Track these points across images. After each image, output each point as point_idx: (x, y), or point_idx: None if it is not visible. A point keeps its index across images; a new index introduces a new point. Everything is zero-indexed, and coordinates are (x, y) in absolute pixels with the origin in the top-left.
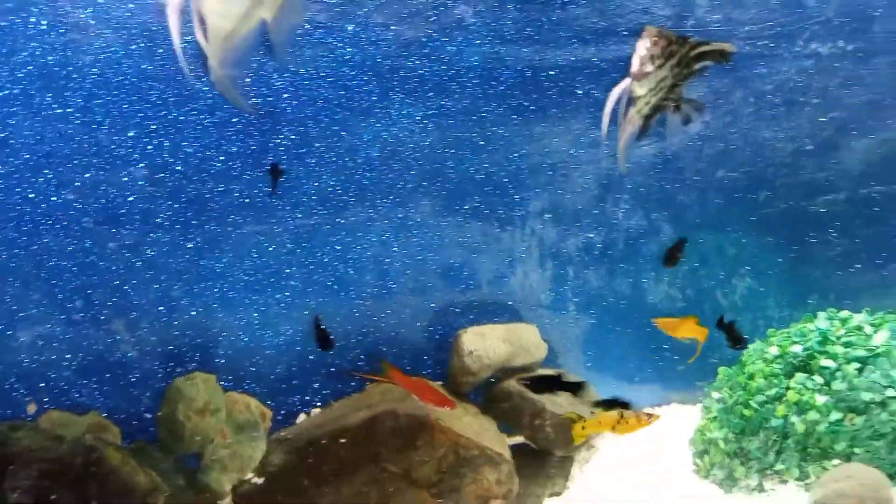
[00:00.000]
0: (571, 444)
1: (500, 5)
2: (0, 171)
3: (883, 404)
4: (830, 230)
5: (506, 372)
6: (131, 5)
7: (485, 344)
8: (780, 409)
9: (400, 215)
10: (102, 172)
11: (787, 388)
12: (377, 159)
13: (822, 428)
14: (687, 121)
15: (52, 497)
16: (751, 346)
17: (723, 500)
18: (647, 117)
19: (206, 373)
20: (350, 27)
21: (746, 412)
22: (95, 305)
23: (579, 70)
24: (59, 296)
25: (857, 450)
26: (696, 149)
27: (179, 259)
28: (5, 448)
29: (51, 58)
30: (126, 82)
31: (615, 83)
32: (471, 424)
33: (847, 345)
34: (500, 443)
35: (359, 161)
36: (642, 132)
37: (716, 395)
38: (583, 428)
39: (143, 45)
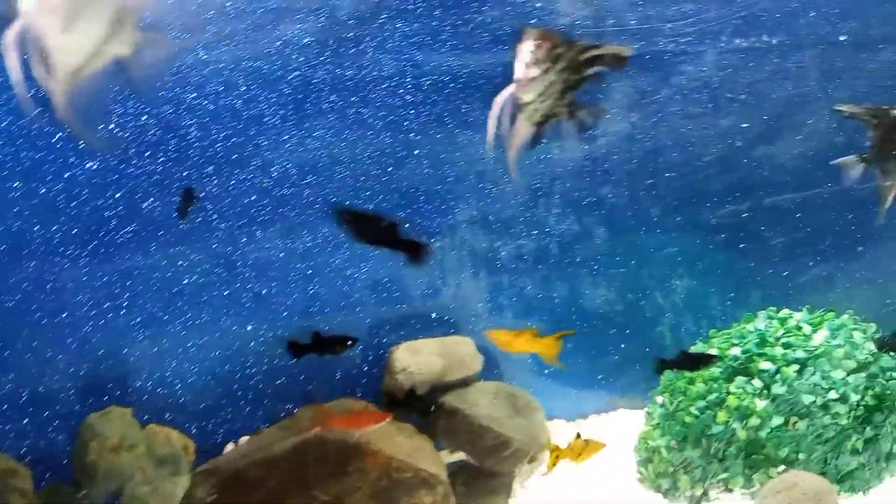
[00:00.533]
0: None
1: (416, 11)
2: None
3: (825, 407)
4: (771, 226)
5: (442, 387)
6: None
7: (418, 360)
8: (721, 416)
9: (324, 230)
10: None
11: (728, 393)
12: (295, 174)
13: (764, 434)
14: (584, 127)
15: None
16: (692, 348)
17: None
18: (539, 124)
19: (124, 406)
20: (260, 38)
21: (687, 419)
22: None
23: (500, 74)
24: None
25: (801, 455)
26: (625, 150)
27: (90, 288)
28: None
29: None
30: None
31: None
32: (403, 445)
33: (786, 346)
34: (436, 462)
35: (275, 176)
36: (534, 140)
37: (659, 399)
38: (557, 457)
39: None
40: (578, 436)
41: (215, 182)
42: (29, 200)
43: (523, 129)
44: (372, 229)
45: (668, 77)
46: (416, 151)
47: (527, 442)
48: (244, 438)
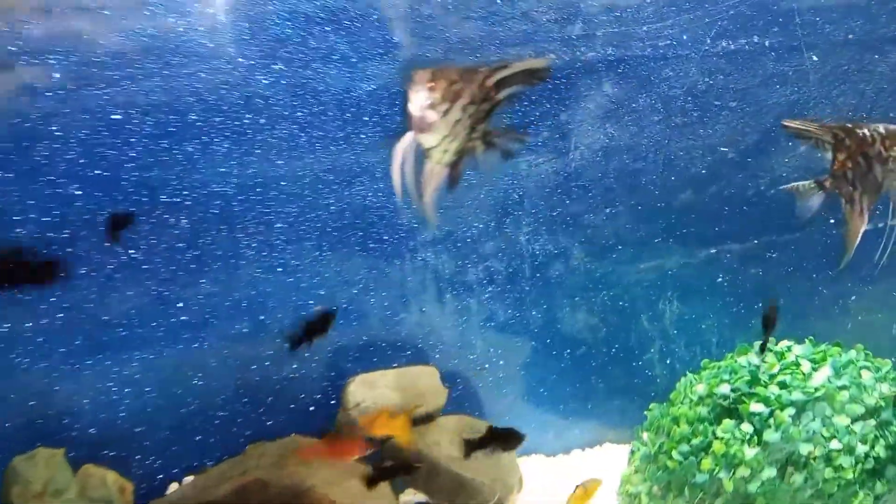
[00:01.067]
0: None
1: (360, 24)
2: None
3: (827, 458)
4: (772, 244)
5: None
6: None
7: (374, 393)
8: (706, 463)
9: (273, 253)
10: None
11: (715, 437)
12: (240, 193)
13: (754, 487)
14: (508, 155)
15: None
16: (683, 380)
17: None
18: (453, 165)
19: (55, 447)
20: (200, 55)
21: (670, 463)
22: None
23: None
24: None
25: None
26: (600, 164)
27: (18, 323)
28: None
29: None
30: None
31: None
32: (353, 489)
33: (782, 385)
34: None
35: (216, 199)
36: (452, 181)
37: (645, 436)
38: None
39: None
40: (577, 487)
41: (155, 203)
42: None
43: (435, 174)
44: None
45: (647, 84)
46: (370, 169)
47: (491, 484)
48: (189, 478)
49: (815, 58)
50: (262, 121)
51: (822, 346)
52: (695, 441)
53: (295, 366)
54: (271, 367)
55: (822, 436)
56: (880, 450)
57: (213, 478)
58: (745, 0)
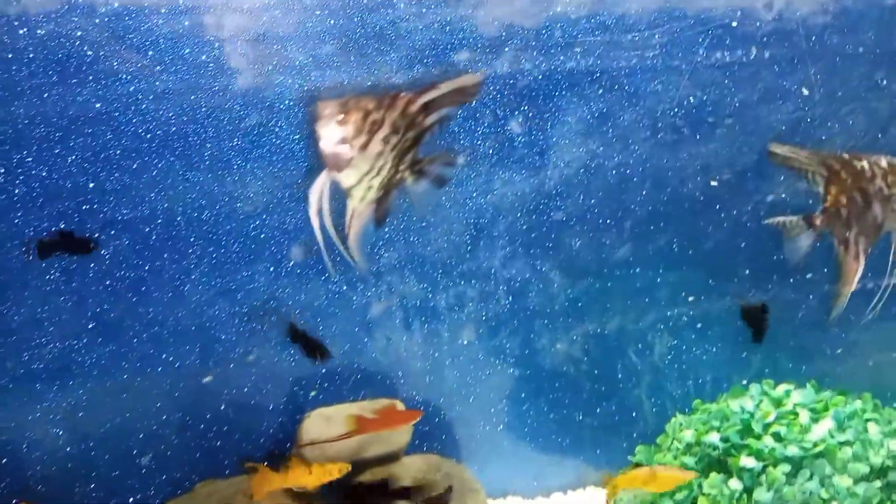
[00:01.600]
0: None
1: (312, 39)
2: None
3: None
4: (771, 272)
5: (361, 463)
6: None
7: (330, 430)
8: None
9: (224, 278)
10: None
11: (701, 492)
12: (190, 215)
13: None
14: (442, 181)
15: None
16: (673, 421)
17: None
18: (379, 201)
19: None
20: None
21: None
22: None
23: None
24: None
25: None
26: (583, 183)
27: None
28: None
29: None
30: None
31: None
32: None
33: (777, 437)
34: None
35: (160, 217)
36: (381, 217)
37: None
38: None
39: None
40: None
41: (90, 227)
42: None
43: (358, 214)
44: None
45: (633, 98)
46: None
47: None
48: None
49: (805, 91)
50: (210, 134)
51: (825, 394)
52: (678, 496)
53: (252, 401)
54: (223, 399)
55: (821, 498)
56: None
57: None
58: (741, 7)
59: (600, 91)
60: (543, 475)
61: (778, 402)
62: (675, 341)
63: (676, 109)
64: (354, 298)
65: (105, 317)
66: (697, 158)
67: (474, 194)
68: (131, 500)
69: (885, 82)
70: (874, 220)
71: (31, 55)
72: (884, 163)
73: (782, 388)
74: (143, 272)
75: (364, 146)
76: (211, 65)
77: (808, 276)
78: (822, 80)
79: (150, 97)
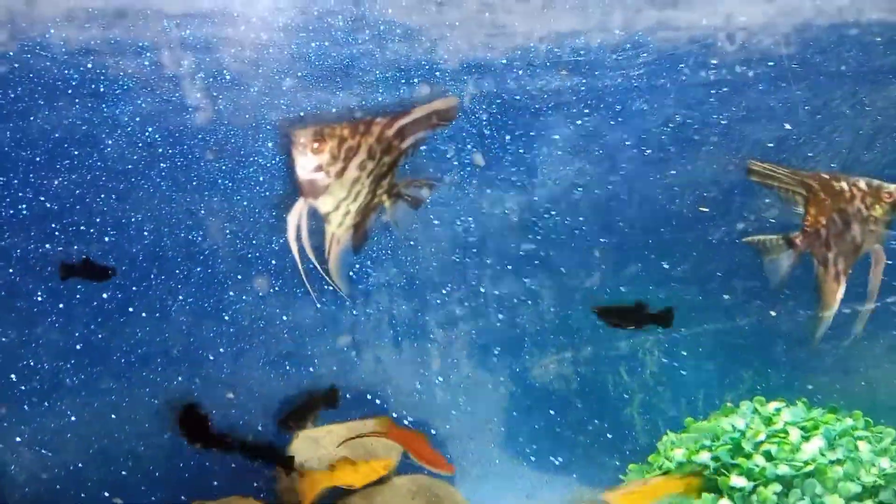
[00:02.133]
0: None
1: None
2: None
3: None
4: (765, 290)
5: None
6: None
7: (318, 453)
8: None
9: (211, 298)
10: None
11: None
12: (176, 236)
13: None
14: (418, 203)
15: None
16: (665, 438)
17: None
18: (357, 226)
19: None
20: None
21: None
22: None
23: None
24: None
25: None
26: (573, 202)
27: None
28: None
29: None
30: None
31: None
32: None
33: (767, 456)
34: None
35: (147, 242)
36: (361, 241)
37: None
38: None
39: None
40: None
41: (74, 252)
42: None
43: (337, 239)
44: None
45: (618, 116)
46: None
47: None
48: None
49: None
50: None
51: (816, 411)
52: None
53: (241, 422)
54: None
55: None
56: None
57: None
58: (725, 28)
59: (582, 110)
60: (536, 494)
61: (768, 420)
62: (667, 358)
63: (661, 127)
64: (342, 318)
65: (92, 337)
66: (683, 176)
67: (458, 213)
68: None
69: (867, 100)
70: (853, 240)
71: (16, 79)
72: (863, 184)
73: (773, 405)
74: (130, 293)
75: (340, 173)
76: (196, 88)
77: (800, 293)
78: (807, 97)
79: (137, 119)
